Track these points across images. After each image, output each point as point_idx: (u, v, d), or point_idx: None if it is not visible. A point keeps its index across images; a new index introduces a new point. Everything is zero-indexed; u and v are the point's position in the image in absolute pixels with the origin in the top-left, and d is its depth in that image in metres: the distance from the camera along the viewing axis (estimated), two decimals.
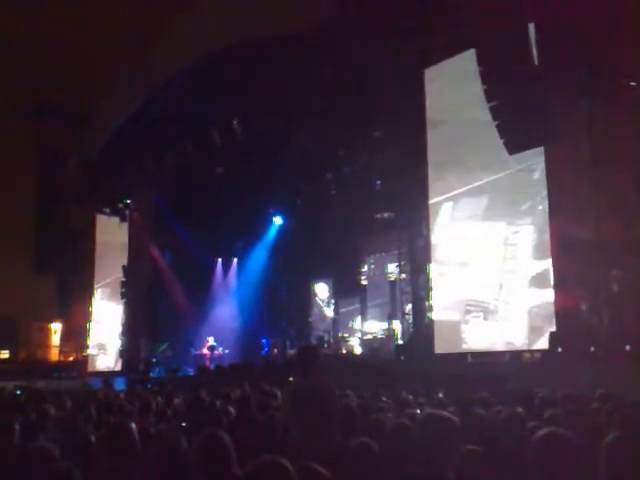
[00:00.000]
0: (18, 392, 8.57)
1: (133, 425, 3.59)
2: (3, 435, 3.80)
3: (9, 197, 20.05)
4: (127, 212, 20.83)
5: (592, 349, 10.47)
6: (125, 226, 21.09)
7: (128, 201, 20.83)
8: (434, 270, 14.39)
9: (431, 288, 14.49)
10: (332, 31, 13.24)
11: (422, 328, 15.35)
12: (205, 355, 19.76)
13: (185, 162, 17.89)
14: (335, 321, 20.19)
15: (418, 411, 4.71)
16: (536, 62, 10.19)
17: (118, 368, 20.82)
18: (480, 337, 12.98)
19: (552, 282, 11.77)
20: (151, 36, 14.84)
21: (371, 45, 13.43)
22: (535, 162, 12.21)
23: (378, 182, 17.23)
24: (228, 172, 18.81)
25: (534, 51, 10.28)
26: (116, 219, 20.91)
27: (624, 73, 10.46)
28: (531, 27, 10.50)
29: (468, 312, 13.25)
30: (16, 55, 16.16)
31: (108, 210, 20.97)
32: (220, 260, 22.46)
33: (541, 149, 11.67)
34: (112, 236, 21.40)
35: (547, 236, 11.98)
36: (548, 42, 10.42)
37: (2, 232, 20.17)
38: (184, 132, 17.54)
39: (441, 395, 7.16)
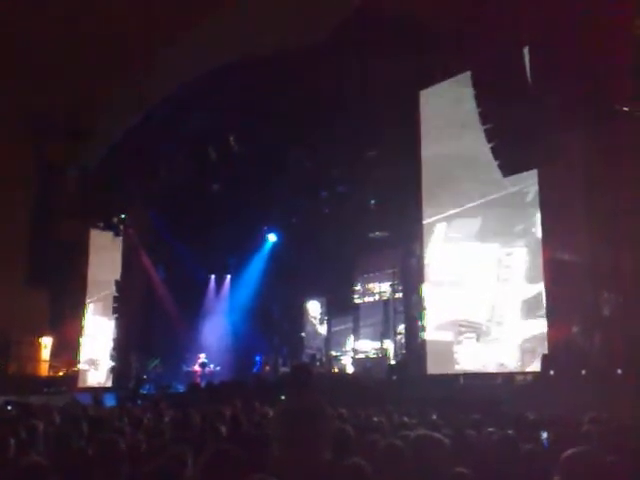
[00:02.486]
0: (9, 407, 8.49)
1: (121, 440, 3.58)
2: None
3: (4, 209, 20.01)
4: (121, 227, 20.82)
5: (583, 372, 10.48)
6: (119, 241, 21.06)
7: (123, 216, 20.82)
8: (427, 290, 14.42)
9: (424, 308, 14.51)
10: (330, 52, 13.39)
11: (415, 348, 15.34)
12: (196, 372, 19.64)
13: (181, 178, 17.95)
14: (327, 339, 20.14)
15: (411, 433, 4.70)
16: (531, 86, 10.33)
17: (109, 384, 20.67)
18: (472, 358, 12.99)
19: (544, 305, 11.81)
20: (151, 51, 14.94)
21: (368, 66, 13.57)
22: (529, 184, 12.32)
23: (372, 201, 17.31)
24: (224, 189, 18.86)
25: (529, 75, 10.42)
26: (110, 233, 20.88)
27: (619, 98, 10.58)
28: (526, 51, 10.67)
29: (461, 333, 13.27)
30: (14, 68, 16.22)
31: (102, 224, 20.96)
32: (213, 276, 22.42)
33: (535, 172, 11.78)
34: (106, 251, 21.34)
35: (540, 259, 12.04)
36: (543, 66, 10.55)
37: None
38: (181, 148, 17.62)
39: (434, 417, 7.15)
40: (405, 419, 6.75)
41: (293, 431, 4.30)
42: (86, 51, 15.24)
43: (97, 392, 15.54)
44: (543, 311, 11.83)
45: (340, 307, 19.96)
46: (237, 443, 4.83)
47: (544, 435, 5.16)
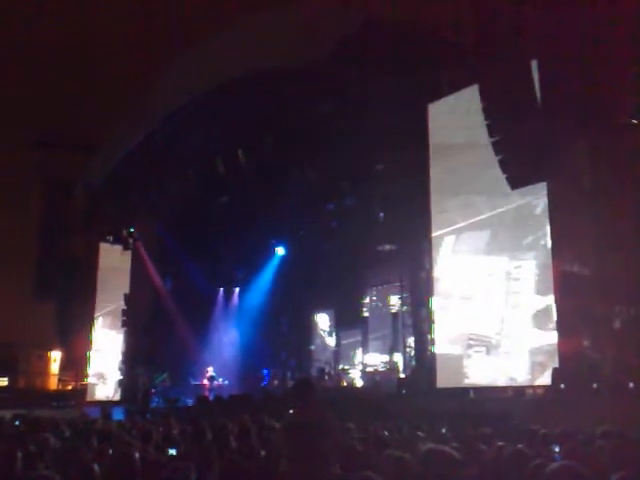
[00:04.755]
0: (17, 423, 8.49)
1: (137, 454, 3.58)
2: (6, 464, 3.78)
3: (14, 224, 20.14)
4: (130, 241, 20.89)
5: (595, 386, 10.38)
6: (128, 254, 21.13)
7: (131, 230, 20.91)
8: (436, 303, 14.36)
9: (433, 321, 14.44)
10: (336, 66, 13.45)
11: (424, 361, 15.26)
12: (205, 386, 19.59)
13: (189, 191, 18.02)
14: (336, 352, 20.08)
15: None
16: (538, 98, 10.33)
17: (117, 398, 20.67)
18: (482, 372, 12.90)
19: (555, 318, 11.73)
20: (158, 68, 15.06)
21: (376, 80, 13.63)
22: (537, 197, 12.28)
23: (381, 214, 17.30)
24: (231, 202, 18.91)
25: (537, 88, 10.42)
26: (119, 247, 20.97)
27: (625, 110, 10.57)
28: (534, 64, 10.68)
29: (470, 346, 13.19)
30: (22, 86, 16.39)
31: (111, 238, 21.05)
32: (222, 290, 22.43)
33: (543, 184, 11.75)
34: (114, 264, 21.43)
35: (550, 271, 11.97)
36: (551, 78, 10.56)
37: (5, 259, 20.22)
38: (188, 162, 17.70)
39: (444, 430, 7.09)
40: (415, 433, 6.71)
41: (297, 444, 4.28)
42: (93, 67, 15.39)
43: (105, 407, 15.55)
44: (553, 324, 11.74)
45: (349, 320, 19.90)
46: (246, 456, 4.82)
47: (556, 449, 5.10)
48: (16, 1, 13.83)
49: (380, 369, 18.13)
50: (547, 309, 11.96)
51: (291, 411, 5.67)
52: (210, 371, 19.78)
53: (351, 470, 3.96)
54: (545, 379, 11.58)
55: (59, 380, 23.91)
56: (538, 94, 10.43)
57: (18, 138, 18.74)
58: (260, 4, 13.26)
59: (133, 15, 13.89)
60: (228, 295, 22.44)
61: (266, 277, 20.82)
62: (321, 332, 20.90)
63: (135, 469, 3.48)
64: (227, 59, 14.77)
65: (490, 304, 13.02)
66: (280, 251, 20.66)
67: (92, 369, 22.12)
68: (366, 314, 19.63)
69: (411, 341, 16.95)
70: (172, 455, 5.39)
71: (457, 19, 11.52)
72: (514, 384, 12.29)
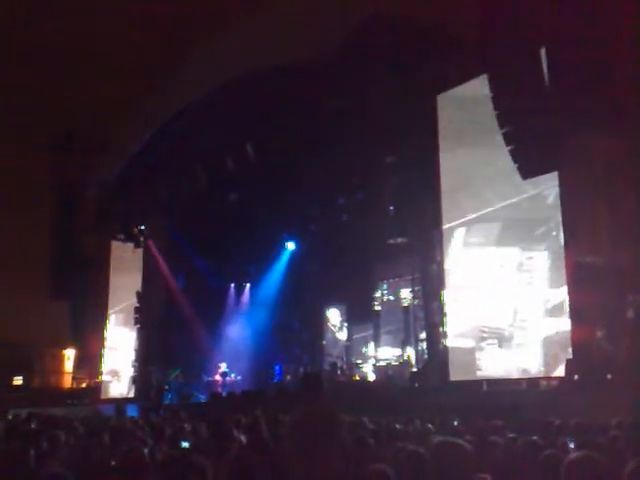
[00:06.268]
0: (32, 425, 8.52)
1: (145, 451, 3.59)
2: (19, 460, 3.80)
3: (26, 224, 20.28)
4: (141, 238, 20.95)
5: (609, 377, 10.30)
6: (139, 252, 21.20)
7: (142, 227, 20.97)
8: (448, 296, 14.30)
9: (445, 314, 14.38)
10: (342, 62, 13.40)
11: (437, 355, 15.21)
12: (217, 381, 19.64)
13: (199, 188, 18.03)
14: (348, 347, 20.07)
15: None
16: (548, 87, 10.24)
17: (131, 395, 20.77)
18: (495, 364, 12.84)
19: (568, 308, 11.64)
20: (168, 66, 15.09)
21: (383, 74, 13.56)
22: (549, 187, 12.17)
23: (391, 207, 17.23)
24: (242, 198, 18.92)
25: (546, 76, 10.33)
26: (130, 245, 21.04)
27: (636, 97, 10.44)
28: (542, 52, 10.58)
29: (483, 339, 13.14)
30: (34, 87, 16.48)
31: (123, 236, 21.13)
32: (233, 285, 22.48)
33: (555, 174, 11.64)
34: (126, 262, 21.51)
35: (562, 262, 11.87)
36: (560, 66, 10.45)
37: (18, 259, 20.38)
38: (198, 159, 17.71)
39: (456, 423, 7.06)
40: (428, 426, 6.68)
41: (305, 438, 4.25)
42: (103, 70, 15.46)
43: (119, 404, 15.63)
44: (566, 315, 11.66)
45: (360, 314, 19.88)
46: (257, 451, 4.81)
47: (570, 441, 5.06)
48: (26, 5, 13.92)
49: (392, 363, 18.09)
50: (560, 300, 11.87)
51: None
52: (223, 367, 19.83)
53: (363, 463, 3.93)
54: (559, 370, 11.51)
55: (73, 378, 24.10)
56: (548, 82, 10.34)
57: (30, 140, 18.87)
58: (264, 3, 13.27)
59: (140, 17, 13.94)
60: (239, 291, 22.48)
61: (277, 272, 20.83)
62: (332, 327, 20.90)
63: (145, 465, 3.48)
64: (232, 58, 14.78)
65: (502, 296, 12.95)
66: (291, 246, 20.66)
67: (106, 367, 22.24)
68: (378, 308, 19.59)
69: (423, 334, 16.90)
70: (185, 448, 5.40)
71: (465, 8, 11.44)
72: (527, 376, 12.23)
